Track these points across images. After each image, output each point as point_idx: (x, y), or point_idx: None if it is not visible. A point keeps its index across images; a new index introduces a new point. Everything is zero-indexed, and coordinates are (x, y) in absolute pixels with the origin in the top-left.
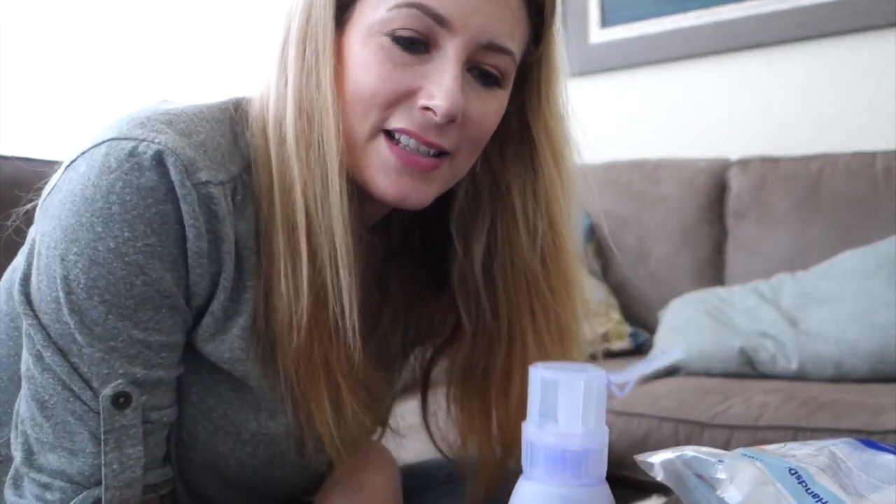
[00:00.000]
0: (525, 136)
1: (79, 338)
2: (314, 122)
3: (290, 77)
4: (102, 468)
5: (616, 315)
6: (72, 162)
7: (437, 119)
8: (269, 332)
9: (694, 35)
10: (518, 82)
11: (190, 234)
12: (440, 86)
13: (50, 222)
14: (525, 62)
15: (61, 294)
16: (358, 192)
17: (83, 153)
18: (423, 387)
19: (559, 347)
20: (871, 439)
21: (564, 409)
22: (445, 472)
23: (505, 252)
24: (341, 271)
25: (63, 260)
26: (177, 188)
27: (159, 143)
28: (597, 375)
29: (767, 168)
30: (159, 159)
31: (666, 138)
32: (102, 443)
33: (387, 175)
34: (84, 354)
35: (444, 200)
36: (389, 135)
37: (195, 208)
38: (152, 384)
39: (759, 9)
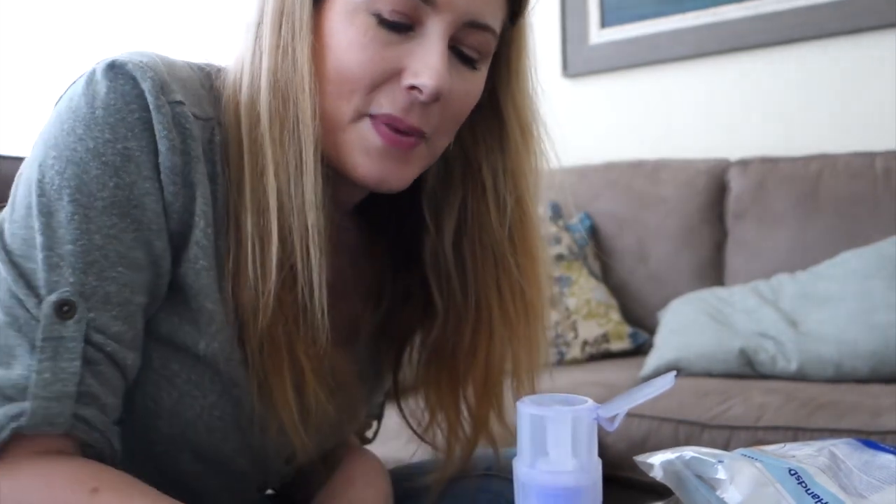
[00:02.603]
0: (495, 112)
1: (39, 240)
2: (289, 101)
3: (264, 55)
4: (33, 376)
5: (616, 315)
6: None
7: (423, 98)
8: (235, 309)
9: (694, 35)
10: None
11: (162, 146)
12: (426, 64)
13: (35, 146)
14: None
15: (34, 198)
16: (333, 175)
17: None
18: (394, 369)
19: (524, 322)
20: (871, 440)
21: (554, 446)
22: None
23: (474, 228)
24: (312, 252)
25: (41, 165)
26: (151, 99)
27: (140, 62)
28: (586, 409)
29: (767, 168)
30: (141, 72)
31: (666, 138)
32: (38, 350)
33: (368, 156)
34: (39, 259)
35: (417, 178)
36: (374, 119)
37: (168, 120)
38: (100, 300)
39: (759, 9)
